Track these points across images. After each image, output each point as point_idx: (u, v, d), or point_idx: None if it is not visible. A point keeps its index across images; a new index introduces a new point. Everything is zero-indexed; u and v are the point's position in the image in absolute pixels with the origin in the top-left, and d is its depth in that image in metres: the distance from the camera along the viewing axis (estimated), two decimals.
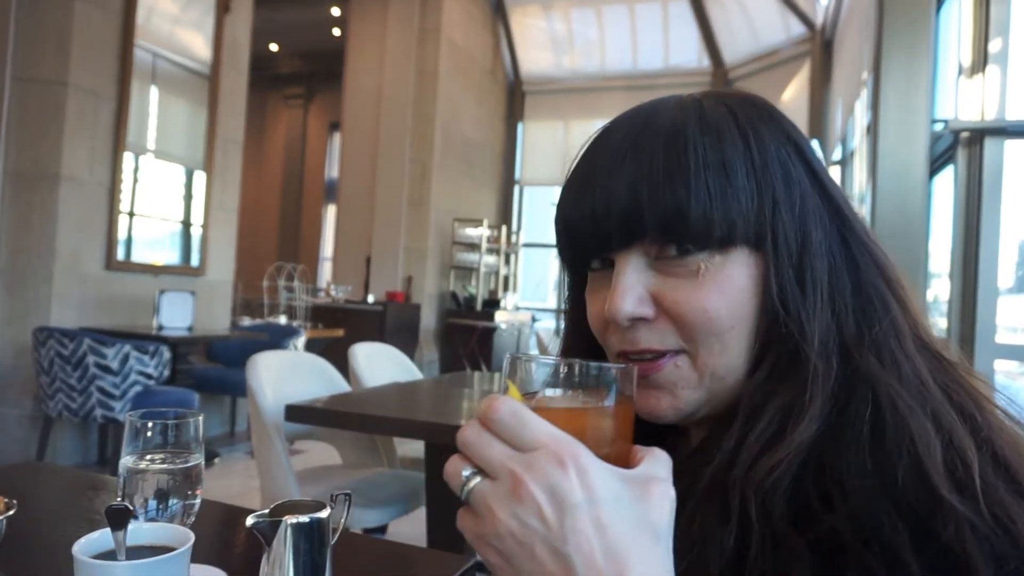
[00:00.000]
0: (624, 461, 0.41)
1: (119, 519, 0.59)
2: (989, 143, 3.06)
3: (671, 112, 0.51)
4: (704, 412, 0.51)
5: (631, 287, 0.49)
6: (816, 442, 0.44)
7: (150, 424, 0.75)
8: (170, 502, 0.73)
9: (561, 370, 0.43)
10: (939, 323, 3.26)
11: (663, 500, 0.38)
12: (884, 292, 0.49)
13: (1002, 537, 0.37)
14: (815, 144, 0.56)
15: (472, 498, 0.38)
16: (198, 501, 0.76)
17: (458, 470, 0.39)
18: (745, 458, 0.44)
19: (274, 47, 10.54)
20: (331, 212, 10.67)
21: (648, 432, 0.58)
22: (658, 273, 0.50)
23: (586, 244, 0.52)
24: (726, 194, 0.48)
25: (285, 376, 2.20)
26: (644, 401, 0.51)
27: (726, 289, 0.48)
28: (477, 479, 0.38)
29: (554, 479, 0.36)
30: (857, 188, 4.87)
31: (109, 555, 0.60)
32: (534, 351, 6.61)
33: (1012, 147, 3.08)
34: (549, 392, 0.43)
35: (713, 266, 0.48)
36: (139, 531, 0.63)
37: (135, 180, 4.41)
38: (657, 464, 0.41)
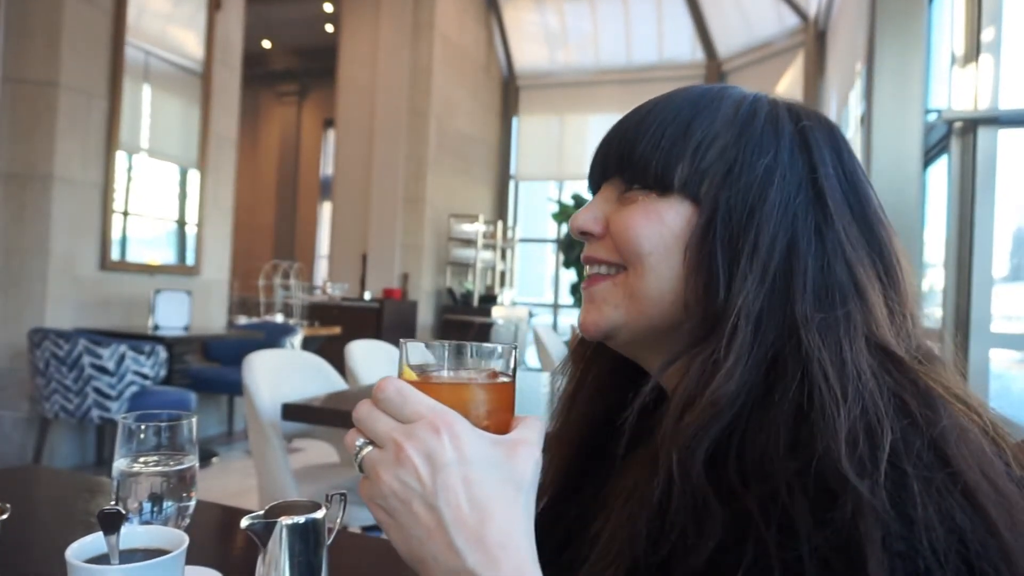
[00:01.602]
0: (504, 431, 0.46)
1: (111, 523, 0.59)
2: (982, 133, 3.06)
3: (688, 89, 0.58)
4: (624, 336, 0.56)
5: (591, 208, 0.58)
6: (741, 412, 0.46)
7: (143, 426, 0.75)
8: (164, 504, 0.73)
9: (449, 351, 0.49)
10: (934, 313, 3.27)
11: (527, 460, 0.44)
12: (846, 287, 0.50)
13: (896, 520, 0.38)
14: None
15: (364, 465, 0.44)
16: (193, 503, 0.75)
17: (352, 441, 0.45)
18: (672, 415, 0.47)
19: (267, 44, 10.49)
20: (327, 209, 10.64)
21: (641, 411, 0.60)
22: (616, 203, 0.58)
23: (591, 181, 0.62)
24: (676, 145, 0.54)
25: (282, 375, 2.19)
26: (581, 316, 0.59)
27: (652, 219, 0.54)
28: (368, 448, 0.44)
29: (430, 444, 0.42)
30: None
31: (102, 559, 0.60)
32: (531, 346, 6.62)
33: (1006, 136, 3.08)
34: (440, 371, 0.49)
35: (649, 200, 0.55)
36: (133, 534, 0.63)
37: (129, 179, 4.39)
38: (527, 430, 0.46)
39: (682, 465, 0.44)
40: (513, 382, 0.49)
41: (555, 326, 9.04)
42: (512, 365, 0.49)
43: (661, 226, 0.53)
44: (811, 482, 0.40)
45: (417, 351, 0.48)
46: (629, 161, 0.56)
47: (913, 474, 0.40)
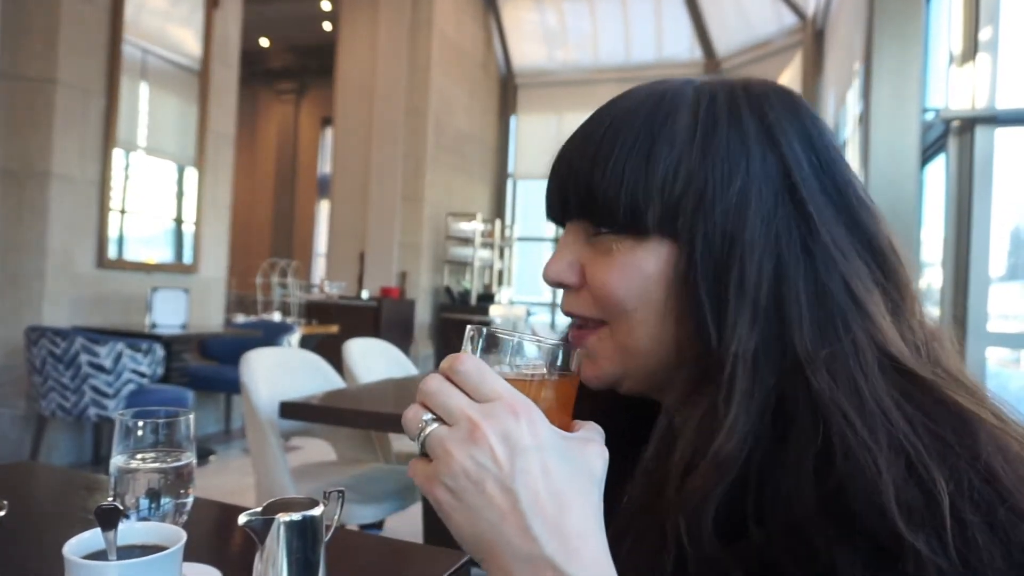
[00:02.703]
0: (565, 429, 0.45)
1: (109, 519, 0.59)
2: (980, 131, 3.07)
3: (639, 96, 0.52)
4: (628, 385, 0.53)
5: (562, 255, 0.53)
6: (749, 465, 0.43)
7: (141, 423, 0.75)
8: (162, 501, 0.73)
9: (515, 343, 0.47)
10: (931, 312, 3.27)
11: (598, 457, 0.43)
12: (846, 306, 0.46)
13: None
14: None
15: (429, 441, 0.42)
16: (190, 500, 0.75)
17: (418, 416, 0.43)
18: (673, 479, 0.44)
19: (265, 42, 10.48)
20: (324, 207, 10.64)
21: (636, 417, 0.59)
22: (589, 247, 0.53)
23: (549, 215, 0.57)
24: (639, 182, 0.48)
25: (279, 373, 2.19)
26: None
27: (629, 272, 0.49)
28: (435, 425, 0.42)
29: (508, 426, 0.40)
30: None
31: (100, 555, 0.60)
32: None
33: (1003, 135, 3.09)
34: (505, 363, 0.46)
35: (623, 248, 0.50)
36: (131, 531, 0.63)
37: (126, 177, 4.38)
38: (592, 431, 0.46)
39: (691, 533, 0.42)
40: (576, 380, 0.49)
41: (553, 325, 9.04)
42: (576, 363, 0.49)
43: (642, 278, 0.49)
44: (856, 540, 0.38)
45: (485, 339, 0.47)
46: (592, 204, 0.50)
47: (975, 522, 0.37)
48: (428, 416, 0.42)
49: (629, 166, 0.49)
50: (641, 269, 0.49)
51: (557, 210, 0.55)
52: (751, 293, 0.45)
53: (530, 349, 0.47)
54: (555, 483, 0.40)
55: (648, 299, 0.49)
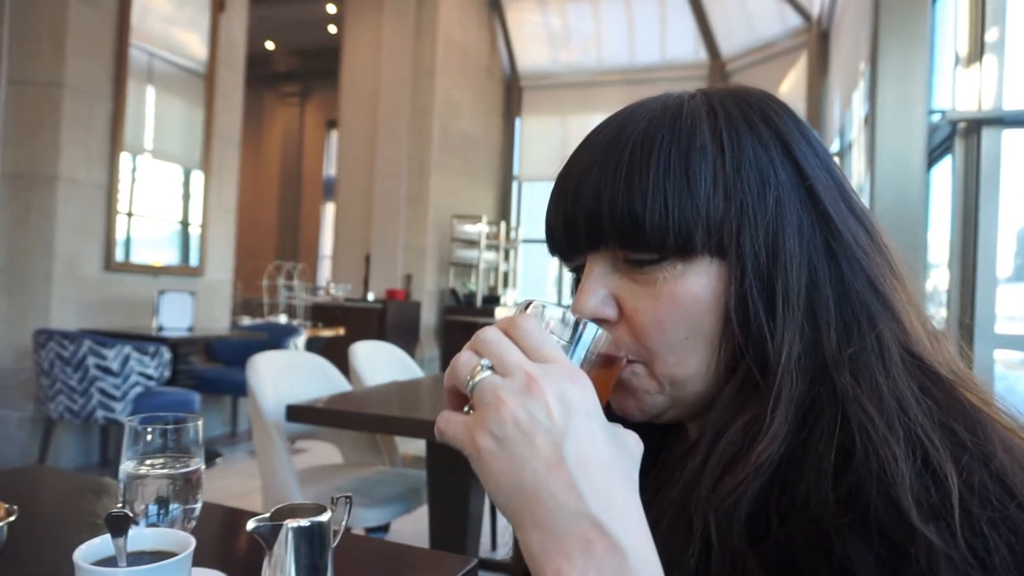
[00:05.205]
0: None
1: (119, 526, 0.60)
2: (986, 133, 3.06)
3: (650, 114, 0.51)
4: (672, 414, 0.52)
5: (594, 289, 0.51)
6: (782, 462, 0.43)
7: (150, 428, 0.75)
8: (171, 507, 0.73)
9: (566, 321, 0.46)
10: (939, 313, 3.26)
11: (637, 443, 0.43)
12: (871, 305, 0.46)
13: (977, 570, 0.36)
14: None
15: (481, 385, 0.40)
16: (199, 505, 0.76)
17: (473, 361, 0.42)
18: (708, 478, 0.45)
19: (270, 45, 10.52)
20: (330, 210, 10.67)
21: (648, 427, 0.58)
22: (623, 276, 0.51)
23: (562, 246, 0.54)
24: (685, 203, 0.47)
25: (285, 376, 2.20)
26: (613, 400, 0.52)
27: (683, 301, 0.48)
28: (489, 372, 0.41)
29: (565, 388, 0.40)
30: (856, 179, 4.87)
31: (110, 561, 0.60)
32: None
33: (1009, 137, 3.08)
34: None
35: (673, 275, 0.48)
36: (140, 537, 0.64)
37: (133, 180, 4.40)
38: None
39: (722, 530, 0.42)
40: (616, 374, 0.49)
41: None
42: (621, 353, 0.49)
43: (695, 304, 0.48)
44: (871, 532, 0.38)
45: (541, 312, 0.46)
46: (636, 232, 0.48)
47: (984, 515, 0.38)
48: (486, 361, 0.41)
49: (671, 188, 0.47)
50: (694, 295, 0.48)
51: (581, 242, 0.51)
52: (793, 303, 0.46)
53: (580, 330, 0.46)
54: (602, 453, 0.39)
55: (699, 324, 0.48)
